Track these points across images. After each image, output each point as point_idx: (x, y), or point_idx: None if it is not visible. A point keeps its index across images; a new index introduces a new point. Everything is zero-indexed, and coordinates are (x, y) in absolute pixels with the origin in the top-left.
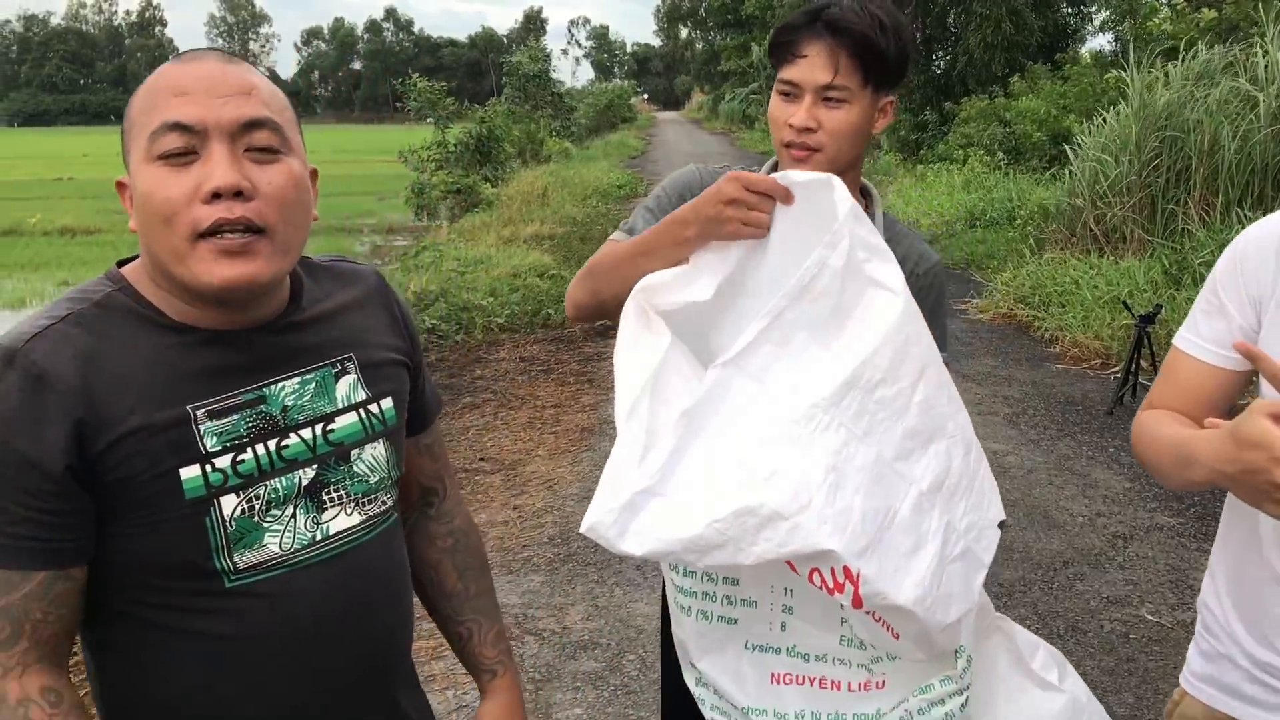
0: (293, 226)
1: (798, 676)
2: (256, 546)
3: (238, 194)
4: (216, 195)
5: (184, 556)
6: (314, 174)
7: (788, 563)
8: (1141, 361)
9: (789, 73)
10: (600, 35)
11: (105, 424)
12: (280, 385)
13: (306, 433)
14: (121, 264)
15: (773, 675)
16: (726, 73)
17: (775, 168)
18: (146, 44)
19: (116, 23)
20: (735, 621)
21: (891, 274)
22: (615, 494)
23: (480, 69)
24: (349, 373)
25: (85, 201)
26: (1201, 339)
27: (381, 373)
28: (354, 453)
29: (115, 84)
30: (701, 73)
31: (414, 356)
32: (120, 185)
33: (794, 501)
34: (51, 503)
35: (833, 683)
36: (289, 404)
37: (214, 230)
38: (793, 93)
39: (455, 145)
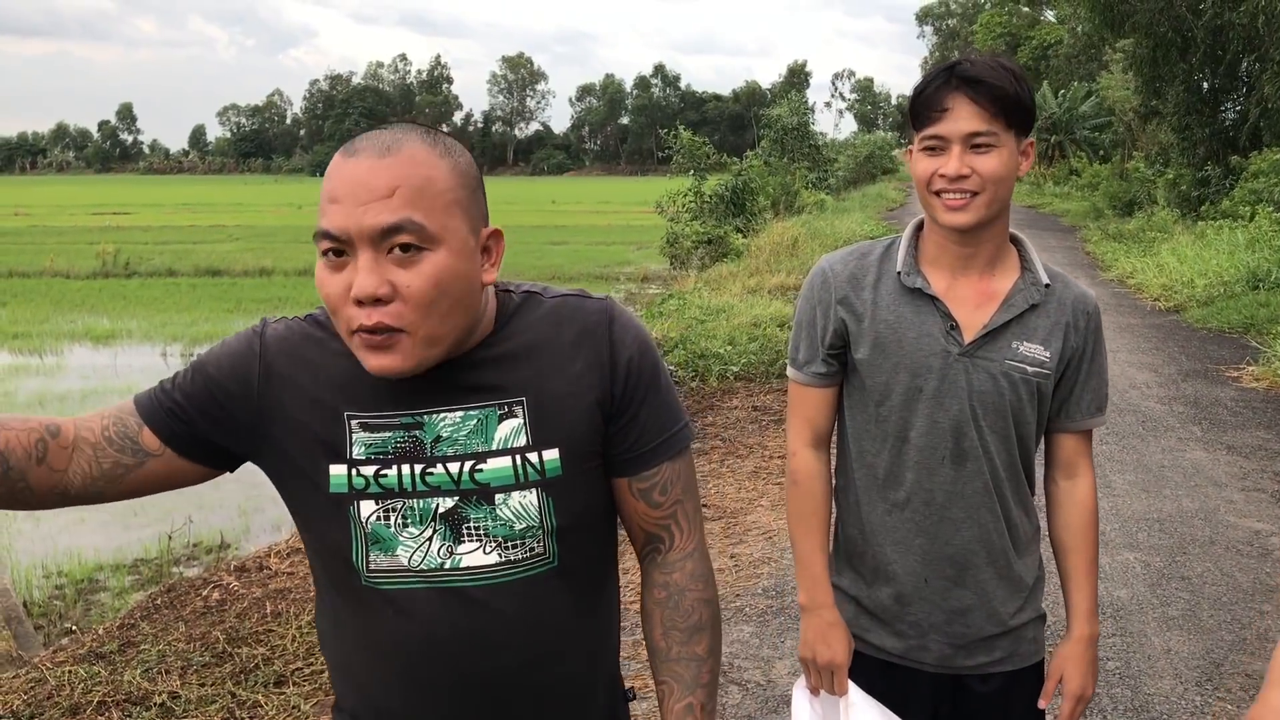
0: (438, 319)
1: None
2: (389, 553)
3: (377, 301)
4: (359, 301)
5: (334, 542)
6: (496, 234)
7: None
8: None
9: (934, 129)
10: (864, 87)
11: (280, 400)
12: (440, 416)
13: (454, 466)
14: None
15: None
16: None
17: (920, 228)
18: (434, 100)
19: (409, 81)
20: None
21: None
22: None
23: (743, 122)
24: (515, 416)
25: None
26: None
27: (554, 421)
28: (499, 496)
29: None
30: None
31: (620, 401)
32: None
33: None
34: (190, 401)
35: None
36: (442, 435)
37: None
38: (939, 146)
39: (710, 196)
